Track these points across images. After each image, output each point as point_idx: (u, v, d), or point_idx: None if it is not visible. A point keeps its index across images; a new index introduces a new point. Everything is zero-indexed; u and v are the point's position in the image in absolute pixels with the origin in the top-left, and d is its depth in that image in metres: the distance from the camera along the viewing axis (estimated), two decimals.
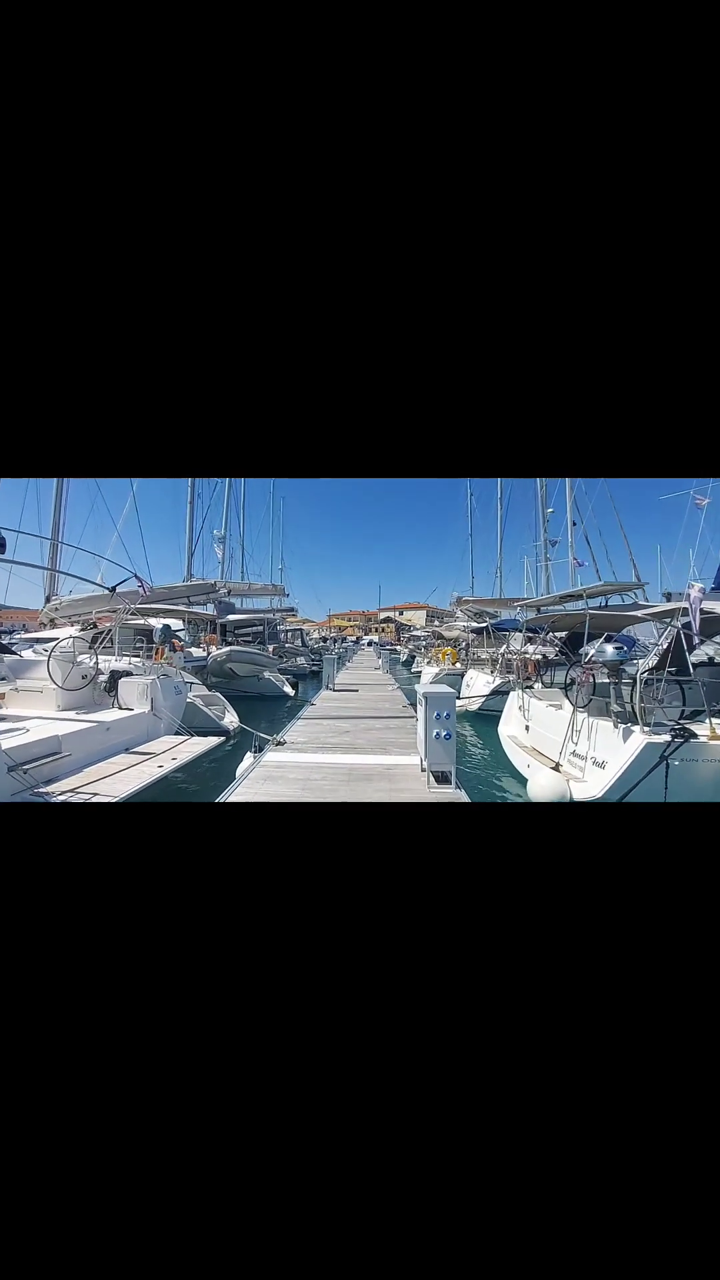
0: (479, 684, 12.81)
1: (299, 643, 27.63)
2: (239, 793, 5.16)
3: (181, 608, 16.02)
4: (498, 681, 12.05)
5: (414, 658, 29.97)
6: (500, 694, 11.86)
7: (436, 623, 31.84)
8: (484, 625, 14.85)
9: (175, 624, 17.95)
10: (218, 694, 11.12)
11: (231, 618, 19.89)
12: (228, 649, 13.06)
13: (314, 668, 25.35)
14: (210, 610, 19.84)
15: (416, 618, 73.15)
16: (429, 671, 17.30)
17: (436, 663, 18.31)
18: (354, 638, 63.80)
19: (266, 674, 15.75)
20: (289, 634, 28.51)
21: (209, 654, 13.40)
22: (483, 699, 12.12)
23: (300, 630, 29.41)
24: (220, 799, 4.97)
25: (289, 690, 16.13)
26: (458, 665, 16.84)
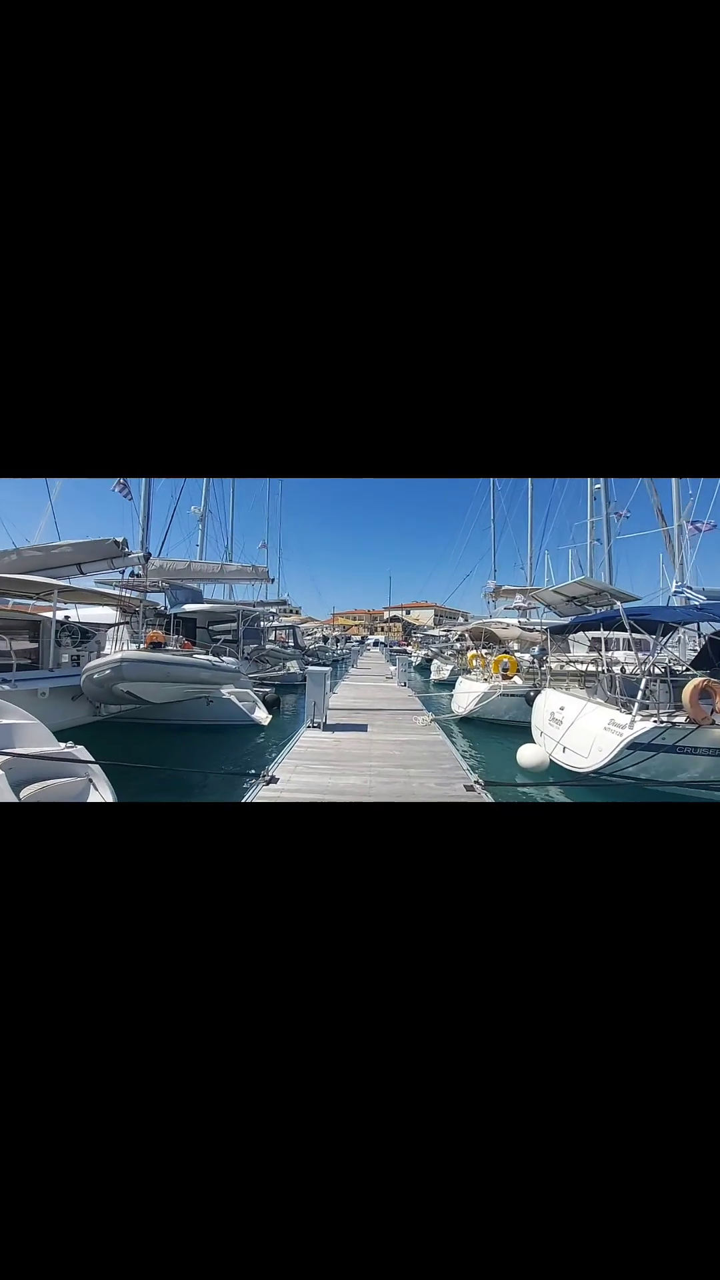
0: (593, 725, 6.63)
1: (291, 643, 21.46)
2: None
3: (89, 587, 10.01)
4: (646, 726, 5.86)
5: (430, 661, 23.72)
6: (654, 750, 5.74)
7: (460, 620, 25.34)
8: (572, 622, 8.63)
9: (103, 615, 11.93)
10: (78, 750, 4.99)
11: (192, 608, 13.87)
12: (116, 657, 6.88)
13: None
14: (157, 600, 13.84)
15: (424, 616, 67.32)
16: (472, 688, 11.12)
17: (479, 673, 12.12)
18: (359, 637, 57.59)
19: (226, 692, 9.66)
20: (282, 632, 22.40)
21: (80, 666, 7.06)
22: (609, 757, 5.97)
23: (294, 628, 23.17)
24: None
25: (261, 716, 10.05)
26: (517, 680, 10.67)
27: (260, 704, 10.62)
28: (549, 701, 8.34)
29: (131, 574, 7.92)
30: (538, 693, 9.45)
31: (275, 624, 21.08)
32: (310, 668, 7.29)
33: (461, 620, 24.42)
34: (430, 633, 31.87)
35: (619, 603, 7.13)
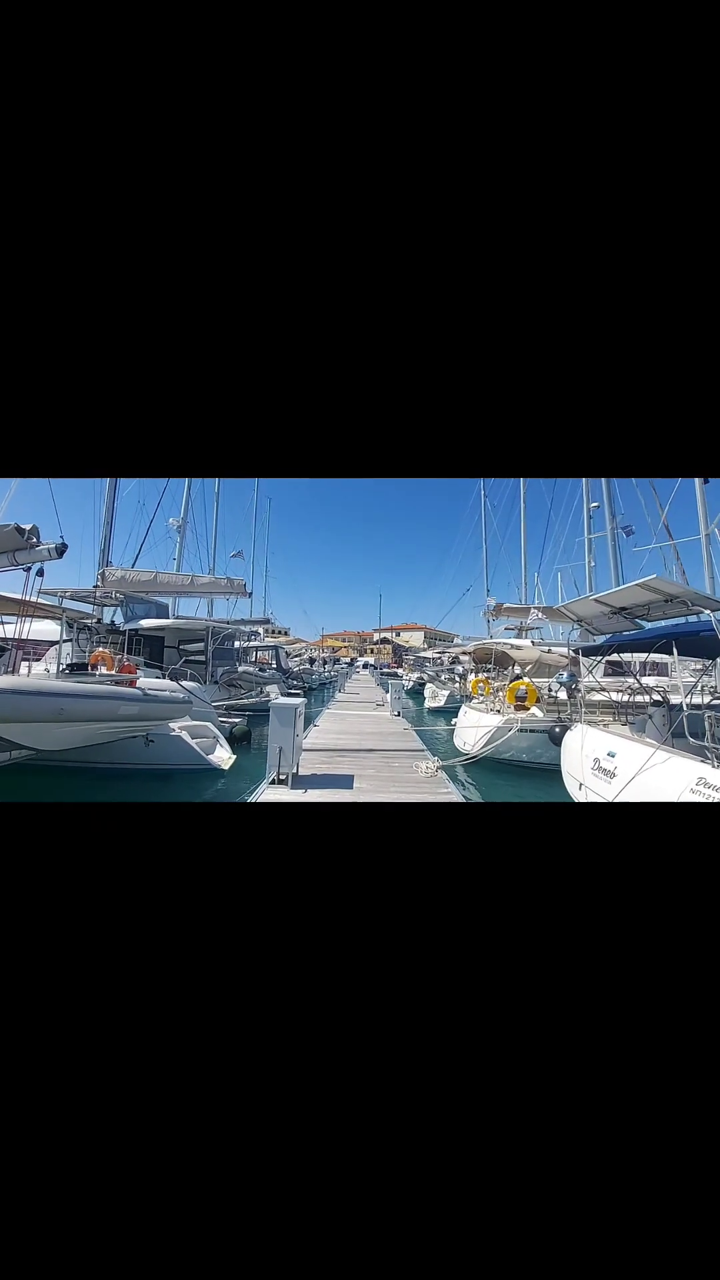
0: (668, 782, 4.62)
1: (274, 665, 19.29)
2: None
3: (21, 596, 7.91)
4: None
5: (423, 685, 21.67)
6: None
7: (457, 640, 23.40)
8: (606, 642, 6.71)
9: (42, 631, 9.81)
10: None
11: (151, 624, 11.76)
12: None
13: (294, 695, 17.00)
14: (103, 613, 11.72)
15: (414, 639, 65.61)
16: (480, 720, 9.09)
17: (484, 702, 10.11)
18: (348, 659, 55.47)
19: (177, 727, 7.52)
20: (265, 653, 20.26)
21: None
22: None
23: (277, 648, 21.00)
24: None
25: (220, 757, 7.89)
26: (536, 711, 8.66)
27: (222, 741, 8.46)
28: (590, 743, 6.31)
29: (36, 576, 5.89)
30: (564, 729, 7.45)
31: (254, 644, 18.93)
32: (275, 700, 5.21)
33: (459, 640, 22.41)
34: (423, 654, 29.86)
35: (708, 611, 5.20)
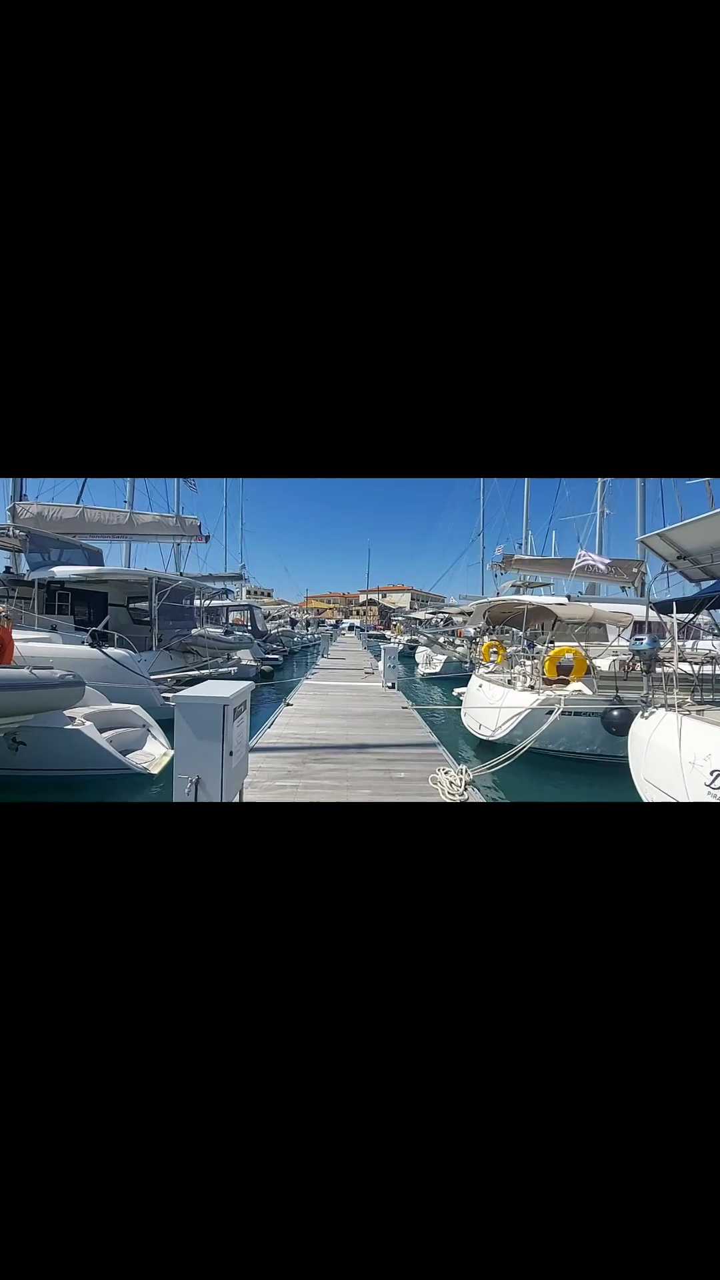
0: None
1: (250, 627, 16.70)
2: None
3: None
4: None
5: (414, 648, 19.42)
6: None
7: (451, 601, 21.00)
8: (705, 592, 4.37)
9: None
10: None
11: (68, 573, 8.96)
12: None
13: (272, 661, 14.62)
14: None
15: (401, 600, 63.13)
16: (501, 697, 6.80)
17: (498, 672, 7.81)
18: (333, 621, 52.91)
19: (79, 717, 5.05)
20: (239, 614, 17.63)
21: None
22: None
23: (252, 608, 18.28)
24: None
25: (150, 757, 5.50)
26: (582, 688, 6.37)
27: (156, 730, 6.05)
28: (693, 742, 4.04)
29: None
30: (627, 711, 5.22)
31: (225, 603, 16.25)
32: (181, 694, 2.76)
33: (453, 601, 19.98)
34: (414, 615, 27.43)
35: None
